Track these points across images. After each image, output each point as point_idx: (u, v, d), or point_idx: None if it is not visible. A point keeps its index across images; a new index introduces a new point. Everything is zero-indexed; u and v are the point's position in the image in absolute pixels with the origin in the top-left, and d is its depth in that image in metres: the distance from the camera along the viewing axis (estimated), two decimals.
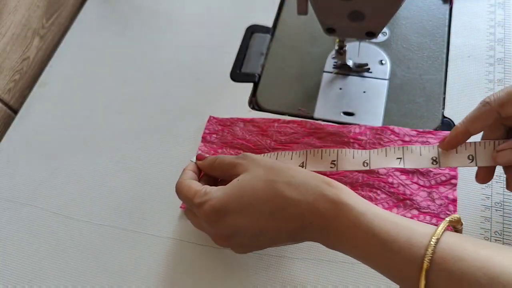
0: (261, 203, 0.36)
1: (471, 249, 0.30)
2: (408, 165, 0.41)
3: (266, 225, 0.36)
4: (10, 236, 0.48)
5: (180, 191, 0.40)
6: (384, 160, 0.42)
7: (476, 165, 0.39)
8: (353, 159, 0.43)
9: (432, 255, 0.30)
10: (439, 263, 0.30)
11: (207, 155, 0.44)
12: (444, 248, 0.30)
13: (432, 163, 0.41)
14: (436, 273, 0.30)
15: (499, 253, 0.30)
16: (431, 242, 0.30)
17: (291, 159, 0.45)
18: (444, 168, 0.45)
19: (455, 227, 0.35)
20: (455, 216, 0.34)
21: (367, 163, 0.42)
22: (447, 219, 0.33)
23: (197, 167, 0.44)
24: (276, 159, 0.45)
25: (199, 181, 0.42)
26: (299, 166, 0.44)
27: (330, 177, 0.37)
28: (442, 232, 0.31)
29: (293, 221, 0.35)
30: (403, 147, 0.42)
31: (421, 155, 0.41)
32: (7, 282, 0.45)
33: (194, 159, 0.45)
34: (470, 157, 0.40)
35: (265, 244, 0.38)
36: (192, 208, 0.39)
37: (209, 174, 0.43)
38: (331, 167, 0.43)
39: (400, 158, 0.42)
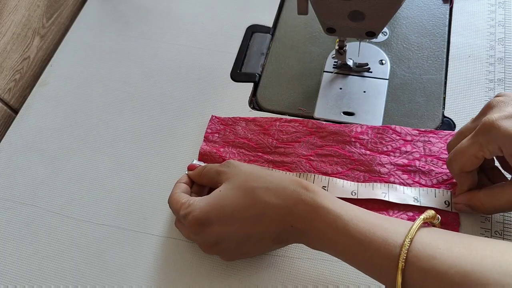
0: (242, 211, 0.37)
1: (444, 247, 0.31)
2: (392, 199, 0.44)
3: (250, 231, 0.38)
4: (10, 236, 0.48)
5: (170, 204, 0.42)
6: (371, 192, 0.44)
7: (451, 210, 0.43)
8: (342, 187, 0.45)
9: (407, 255, 0.31)
10: (414, 262, 0.31)
11: (199, 164, 0.45)
12: (418, 248, 0.31)
13: (414, 201, 0.43)
14: (412, 272, 0.31)
15: (470, 250, 0.31)
16: (405, 242, 0.31)
17: None
18: (445, 167, 0.45)
19: (432, 223, 0.36)
20: (429, 212, 0.35)
21: (355, 193, 0.44)
22: (422, 216, 0.34)
23: (189, 177, 0.45)
24: None
25: (191, 190, 0.44)
26: None
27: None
28: (416, 231, 0.32)
29: (275, 225, 0.37)
30: (388, 185, 0.44)
31: (404, 193, 0.44)
32: (8, 282, 0.45)
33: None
34: (447, 203, 0.43)
35: (252, 250, 0.40)
36: (180, 219, 0.41)
37: (199, 183, 0.45)
38: None
39: (385, 193, 0.44)
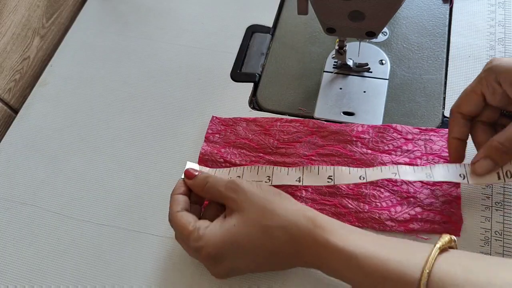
0: (257, 249, 0.37)
1: (462, 277, 0.31)
2: (403, 177, 0.42)
3: (262, 264, 0.38)
4: (10, 236, 0.48)
5: (174, 227, 0.40)
6: (379, 174, 0.43)
7: (468, 183, 0.41)
8: (349, 174, 0.43)
9: None
10: None
11: (197, 172, 0.43)
12: (436, 281, 0.31)
13: (427, 177, 0.42)
14: None
15: (489, 277, 0.30)
16: (423, 277, 0.31)
17: (288, 174, 0.45)
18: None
19: (450, 246, 0.35)
20: (445, 238, 0.34)
21: (363, 177, 0.43)
22: (437, 245, 0.33)
23: (187, 185, 0.43)
24: (272, 175, 0.45)
25: (190, 200, 0.42)
26: (296, 181, 0.44)
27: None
28: (433, 262, 0.32)
29: (288, 261, 0.38)
30: (397, 166, 0.43)
31: (415, 172, 0.43)
32: (8, 282, 0.45)
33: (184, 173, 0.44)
34: (462, 176, 0.41)
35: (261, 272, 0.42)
36: (188, 249, 0.40)
37: (199, 195, 0.43)
38: (328, 182, 0.43)
39: (395, 173, 0.43)
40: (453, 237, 0.35)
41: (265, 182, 0.44)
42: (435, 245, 0.33)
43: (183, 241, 0.39)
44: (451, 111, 0.42)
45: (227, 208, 0.40)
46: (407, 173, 0.42)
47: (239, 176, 0.45)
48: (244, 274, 0.40)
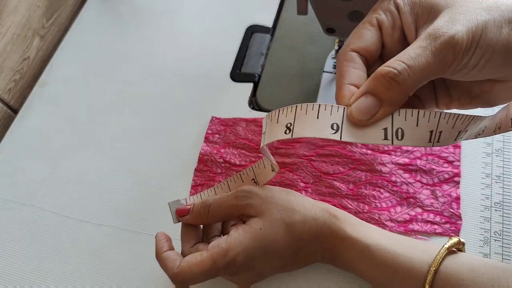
0: (284, 248, 0.37)
1: (468, 277, 0.32)
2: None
3: (286, 265, 0.38)
4: (10, 236, 0.48)
5: (195, 268, 0.35)
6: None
7: (340, 139, 0.30)
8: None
9: (431, 286, 0.32)
10: None
11: (188, 206, 0.39)
12: (442, 278, 0.32)
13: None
14: None
15: (493, 280, 0.31)
16: (429, 274, 0.32)
17: (265, 168, 0.40)
18: (447, 166, 0.45)
19: (458, 249, 0.36)
20: (454, 240, 0.35)
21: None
22: (446, 245, 0.34)
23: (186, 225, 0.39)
24: (255, 175, 0.41)
25: (183, 241, 0.39)
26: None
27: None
28: (441, 261, 0.33)
29: (308, 257, 0.38)
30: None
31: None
32: (8, 282, 0.45)
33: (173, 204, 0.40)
34: (334, 126, 0.30)
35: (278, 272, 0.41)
36: (216, 272, 0.36)
37: (204, 223, 0.39)
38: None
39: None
40: (462, 239, 0.35)
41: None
42: (443, 246, 0.34)
43: (211, 270, 0.35)
44: (339, 54, 0.32)
45: (241, 218, 0.38)
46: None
47: (226, 191, 0.41)
48: (267, 277, 0.40)
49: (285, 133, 0.31)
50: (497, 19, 0.27)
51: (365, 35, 0.31)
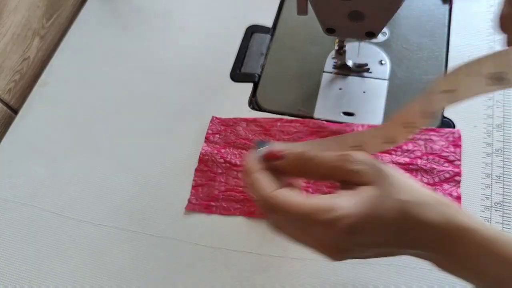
0: (394, 224, 0.32)
1: None
2: None
3: (391, 245, 0.33)
4: (10, 236, 0.48)
5: (283, 207, 0.32)
6: None
7: None
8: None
9: None
10: None
11: (284, 151, 0.34)
12: None
13: None
14: None
15: None
16: None
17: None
18: (447, 165, 0.45)
19: None
20: None
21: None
22: None
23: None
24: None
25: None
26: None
27: None
28: None
29: (410, 243, 0.33)
30: None
31: None
32: (8, 282, 0.45)
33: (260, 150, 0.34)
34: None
35: (374, 256, 0.34)
36: (306, 223, 0.32)
37: (290, 175, 0.35)
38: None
39: None
40: None
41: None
42: None
43: (306, 218, 0.31)
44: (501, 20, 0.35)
45: (350, 184, 0.33)
46: None
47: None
48: (362, 256, 0.34)
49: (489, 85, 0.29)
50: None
51: None
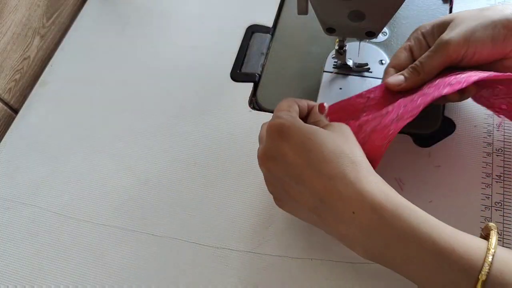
0: (320, 156, 0.35)
1: None
2: None
3: (302, 169, 0.35)
4: (10, 236, 0.48)
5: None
6: None
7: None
8: None
9: (490, 268, 0.30)
10: (496, 276, 0.30)
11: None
12: (500, 262, 0.31)
13: None
14: (493, 286, 0.30)
15: None
16: (488, 256, 0.31)
17: None
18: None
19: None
20: (494, 224, 0.34)
21: None
22: (496, 231, 0.33)
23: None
24: None
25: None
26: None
27: None
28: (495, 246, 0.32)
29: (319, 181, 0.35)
30: None
31: None
32: (8, 282, 0.45)
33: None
34: None
35: (297, 200, 0.37)
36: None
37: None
38: None
39: None
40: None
41: None
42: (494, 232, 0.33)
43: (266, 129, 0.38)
44: (385, 71, 0.47)
45: None
46: None
47: None
48: (284, 191, 0.38)
49: None
50: (483, 23, 0.41)
51: (399, 57, 0.47)
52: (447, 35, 0.42)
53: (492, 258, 0.31)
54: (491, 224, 0.34)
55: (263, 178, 0.40)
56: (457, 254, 0.31)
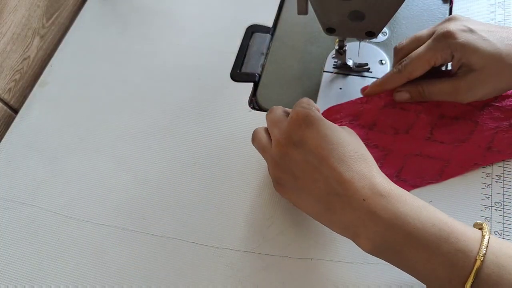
0: (340, 149, 0.37)
1: None
2: None
3: (328, 165, 0.37)
4: (10, 235, 0.48)
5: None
6: None
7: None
8: None
9: (486, 251, 0.32)
10: (491, 259, 0.32)
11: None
12: (494, 246, 0.33)
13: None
14: (488, 267, 0.32)
15: None
16: (484, 239, 0.33)
17: None
18: None
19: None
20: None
21: None
22: (486, 224, 0.35)
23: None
24: None
25: None
26: None
27: None
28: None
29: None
30: None
31: None
32: (8, 282, 0.45)
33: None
34: None
35: (306, 188, 0.38)
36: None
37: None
38: None
39: None
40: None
41: None
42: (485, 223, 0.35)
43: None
44: (403, 75, 0.46)
45: None
46: None
47: None
48: (292, 179, 0.39)
49: None
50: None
51: (422, 69, 0.45)
52: (445, 26, 0.43)
53: (488, 242, 0.33)
54: (479, 221, 0.36)
55: (266, 167, 0.41)
56: (455, 236, 0.33)
